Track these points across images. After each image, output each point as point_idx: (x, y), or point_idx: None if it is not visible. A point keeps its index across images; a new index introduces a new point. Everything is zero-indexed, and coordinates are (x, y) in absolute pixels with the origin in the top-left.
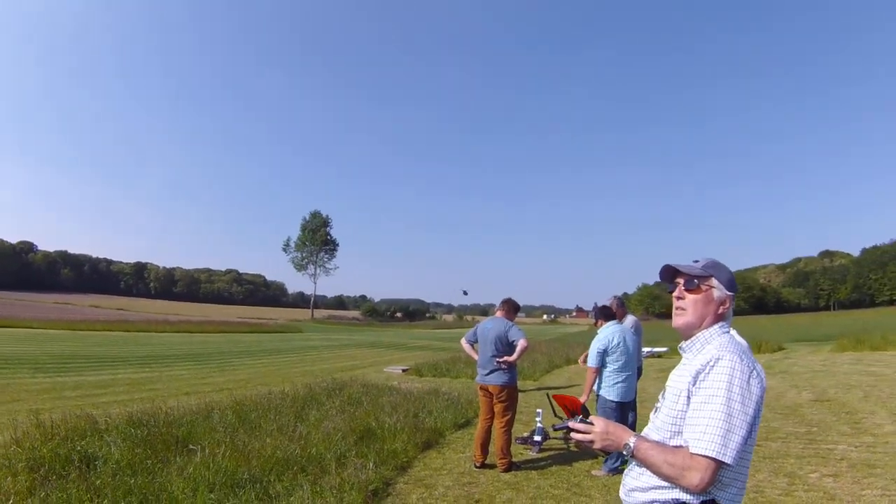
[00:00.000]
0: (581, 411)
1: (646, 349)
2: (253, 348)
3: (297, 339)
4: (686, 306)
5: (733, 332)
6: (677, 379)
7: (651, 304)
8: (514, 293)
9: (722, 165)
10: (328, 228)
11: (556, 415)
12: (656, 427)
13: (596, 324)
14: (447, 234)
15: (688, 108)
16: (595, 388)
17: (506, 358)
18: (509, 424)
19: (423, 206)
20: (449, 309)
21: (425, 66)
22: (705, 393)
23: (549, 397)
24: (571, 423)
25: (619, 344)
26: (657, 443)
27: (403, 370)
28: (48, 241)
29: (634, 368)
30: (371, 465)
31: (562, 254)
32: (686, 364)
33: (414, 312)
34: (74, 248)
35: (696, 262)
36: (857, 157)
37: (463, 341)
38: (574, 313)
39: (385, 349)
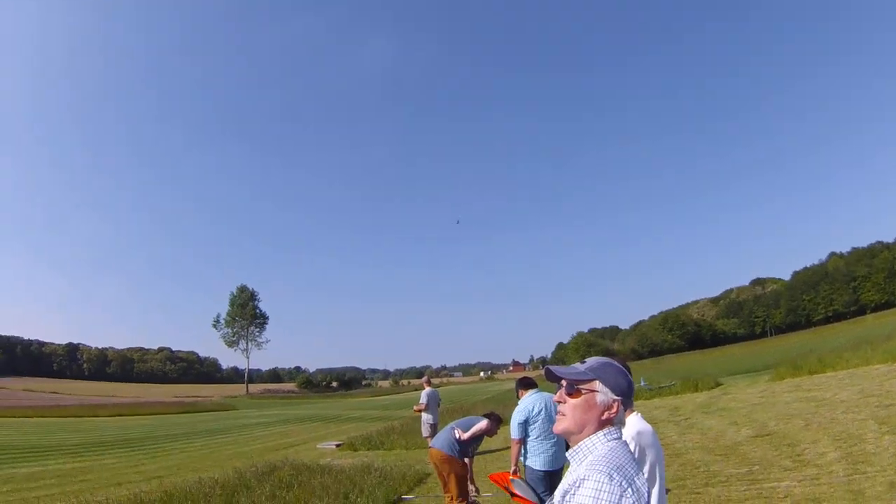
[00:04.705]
0: (512, 485)
1: None
2: (186, 430)
3: (231, 418)
4: (566, 411)
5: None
6: (559, 488)
7: (587, 352)
8: (449, 352)
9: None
10: (256, 302)
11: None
12: None
13: (518, 395)
14: (379, 301)
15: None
16: (522, 458)
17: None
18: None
19: (352, 275)
20: (385, 374)
21: (338, 135)
22: None
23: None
24: None
25: (539, 412)
26: None
27: (337, 445)
28: None
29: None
30: None
31: (495, 309)
32: (569, 473)
33: (350, 381)
34: (4, 330)
35: (583, 362)
36: (783, 184)
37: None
38: (511, 367)
39: (321, 422)
